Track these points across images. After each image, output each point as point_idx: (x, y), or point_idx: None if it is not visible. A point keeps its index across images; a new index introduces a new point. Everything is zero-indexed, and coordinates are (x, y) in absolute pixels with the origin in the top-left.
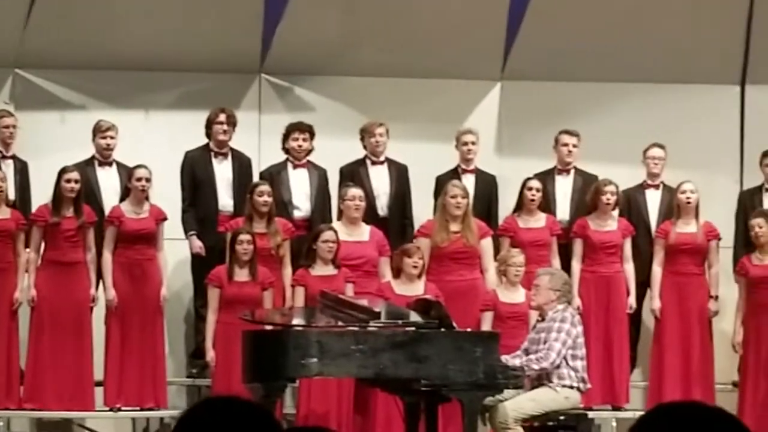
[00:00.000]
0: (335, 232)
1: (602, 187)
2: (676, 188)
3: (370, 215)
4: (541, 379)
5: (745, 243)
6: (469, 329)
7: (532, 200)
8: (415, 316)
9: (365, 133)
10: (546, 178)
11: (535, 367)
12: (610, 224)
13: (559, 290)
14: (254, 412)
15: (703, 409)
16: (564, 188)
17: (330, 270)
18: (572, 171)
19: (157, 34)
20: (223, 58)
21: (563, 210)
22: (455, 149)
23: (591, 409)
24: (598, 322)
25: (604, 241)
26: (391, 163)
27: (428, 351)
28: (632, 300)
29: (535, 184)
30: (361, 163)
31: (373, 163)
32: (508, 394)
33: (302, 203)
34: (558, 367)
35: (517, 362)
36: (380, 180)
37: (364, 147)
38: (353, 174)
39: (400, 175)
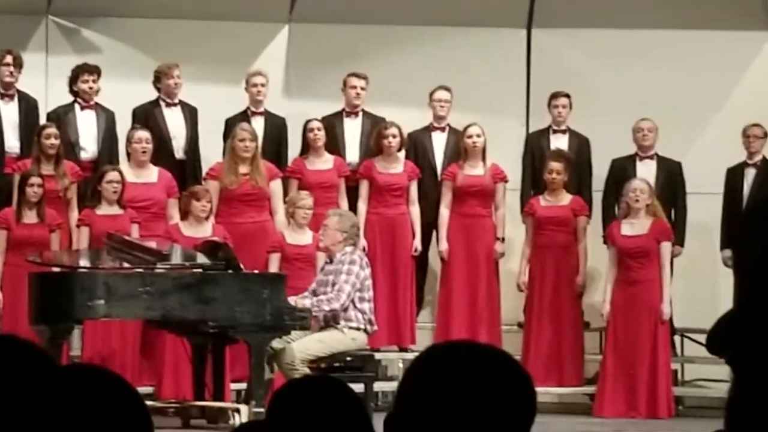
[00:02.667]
0: (120, 172)
1: (384, 130)
2: (462, 131)
3: (167, 157)
4: (329, 320)
5: (532, 184)
6: (256, 271)
7: (315, 140)
8: (202, 258)
9: (161, 75)
10: (335, 120)
11: (326, 308)
12: (395, 166)
13: (347, 232)
14: (29, 350)
15: (475, 347)
16: (353, 130)
17: (115, 210)
18: (360, 113)
19: None
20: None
21: (353, 152)
22: (245, 91)
23: (378, 351)
24: (384, 264)
25: (390, 183)
26: (184, 105)
27: (215, 293)
28: (417, 242)
29: (316, 124)
30: (155, 104)
31: (168, 105)
32: (295, 335)
33: (89, 145)
34: (346, 309)
35: (306, 303)
36: (176, 122)
37: (158, 89)
38: (147, 116)
39: (192, 116)
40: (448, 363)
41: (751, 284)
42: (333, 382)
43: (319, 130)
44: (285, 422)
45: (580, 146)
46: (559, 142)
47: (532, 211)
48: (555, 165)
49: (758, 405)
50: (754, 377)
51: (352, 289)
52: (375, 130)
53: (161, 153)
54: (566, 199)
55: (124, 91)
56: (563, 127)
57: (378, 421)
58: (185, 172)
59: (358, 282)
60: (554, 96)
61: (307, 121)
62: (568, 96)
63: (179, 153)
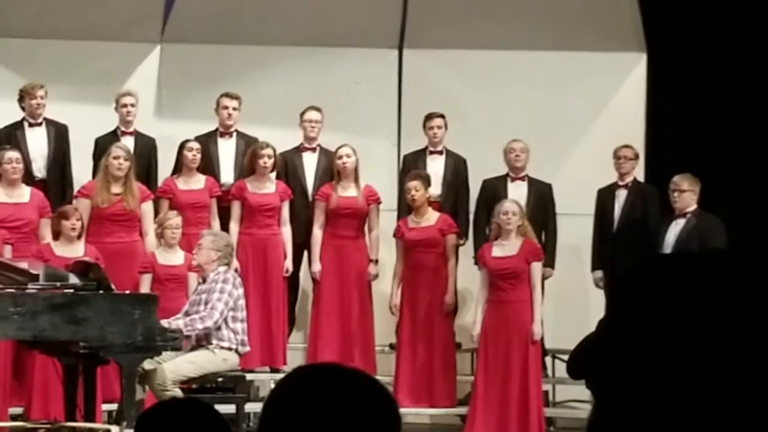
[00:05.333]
0: None
1: (259, 150)
2: (334, 152)
3: (27, 178)
4: (201, 341)
5: (408, 206)
6: (127, 291)
7: (193, 161)
8: (74, 278)
9: (25, 95)
10: (208, 140)
11: (199, 326)
12: (268, 186)
13: (221, 251)
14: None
15: (339, 370)
16: (227, 151)
17: None
18: (234, 133)
19: None
20: None
21: (227, 172)
22: (114, 111)
23: (250, 371)
24: (256, 284)
25: (262, 203)
26: (49, 123)
27: (86, 313)
28: (289, 263)
29: (195, 145)
30: (18, 125)
31: (31, 125)
32: (167, 356)
33: None
34: (219, 328)
35: (180, 323)
36: (37, 142)
37: (23, 108)
38: (10, 136)
39: (59, 135)
40: (312, 385)
41: (612, 307)
42: (199, 404)
43: (198, 151)
44: None
45: (457, 166)
46: (436, 163)
47: (400, 234)
48: (413, 183)
49: (614, 428)
50: (610, 403)
51: (225, 307)
52: (249, 150)
53: (26, 173)
54: (433, 218)
55: None
56: (440, 148)
57: None
58: (48, 191)
59: (231, 301)
60: (429, 117)
61: (185, 141)
62: (443, 116)
63: (40, 172)
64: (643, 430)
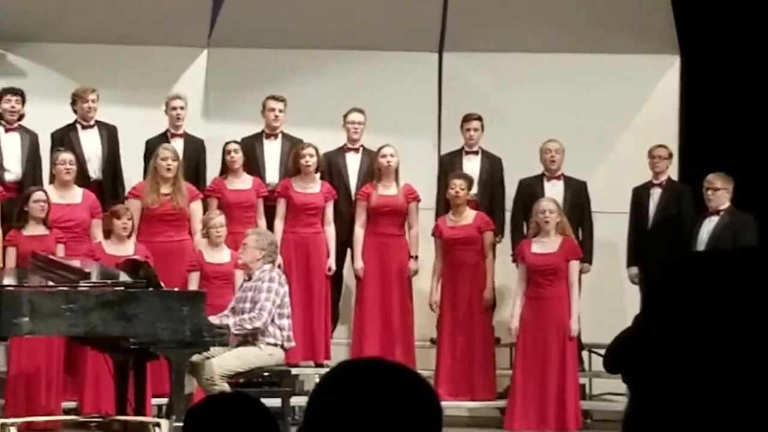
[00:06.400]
0: (45, 192)
1: (301, 150)
2: (376, 152)
3: (83, 178)
4: (247, 337)
5: (446, 204)
6: (176, 289)
7: (232, 162)
8: (124, 276)
9: (77, 98)
10: (254, 141)
11: (248, 327)
12: (312, 186)
13: (265, 250)
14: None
15: (382, 364)
16: (272, 151)
17: (41, 230)
18: (279, 135)
19: None
20: None
21: (272, 173)
22: (164, 114)
23: (295, 366)
24: (299, 281)
25: (306, 202)
26: (101, 125)
27: (136, 310)
28: (332, 262)
29: (233, 146)
30: (71, 127)
31: (84, 127)
32: (215, 351)
33: (13, 166)
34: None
35: (230, 322)
36: (91, 144)
37: (75, 111)
38: (63, 139)
39: (110, 136)
40: (355, 379)
41: (648, 304)
42: (247, 398)
43: (236, 152)
44: None
45: (492, 167)
46: (472, 163)
47: (438, 233)
48: (458, 181)
49: (650, 420)
50: (645, 397)
51: (272, 306)
52: (293, 150)
53: (80, 174)
54: (470, 217)
55: (48, 114)
56: (475, 149)
57: None
58: (103, 192)
59: (278, 299)
60: (466, 119)
61: (226, 143)
62: (480, 118)
63: (95, 173)
64: (678, 423)
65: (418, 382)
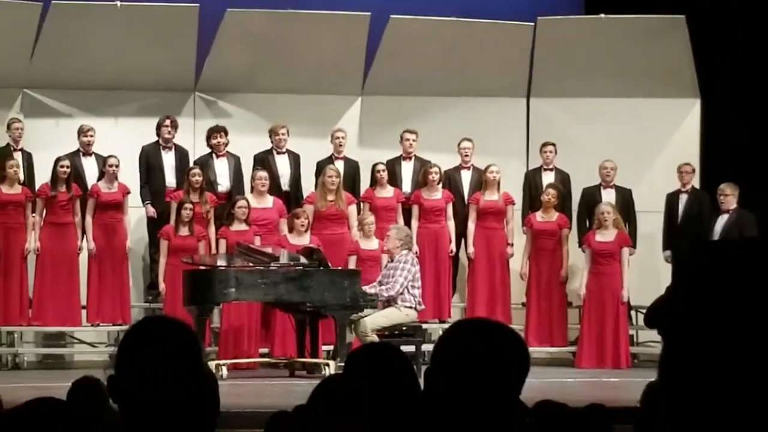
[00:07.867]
0: (247, 200)
1: (429, 168)
2: (484, 169)
3: (276, 189)
4: (390, 301)
5: (530, 206)
6: (339, 268)
7: (381, 177)
8: (303, 259)
9: (272, 133)
10: (395, 162)
11: (385, 294)
12: (436, 194)
13: (402, 240)
14: (178, 326)
15: (487, 322)
16: (407, 170)
17: (243, 227)
18: (413, 157)
19: (122, 64)
20: (167, 80)
21: (407, 185)
22: (330, 143)
23: (425, 322)
24: (429, 262)
25: (433, 206)
26: (290, 153)
27: (311, 283)
28: (453, 246)
29: (381, 167)
30: (269, 152)
31: (278, 153)
32: (367, 312)
33: (224, 181)
34: (402, 294)
35: (374, 291)
36: (283, 165)
37: (271, 142)
38: (263, 160)
39: (295, 160)
40: (468, 333)
41: (677, 277)
42: (389, 346)
43: (383, 171)
44: (357, 374)
45: (563, 180)
46: (548, 177)
47: (529, 225)
48: (553, 191)
49: (678, 365)
50: (676, 344)
51: (405, 281)
52: (422, 169)
53: (273, 187)
54: (555, 216)
55: (247, 144)
56: (551, 167)
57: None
58: (290, 199)
59: (410, 275)
60: (544, 144)
61: (375, 164)
62: (553, 144)
63: (285, 186)
64: (699, 364)
65: (512, 335)
